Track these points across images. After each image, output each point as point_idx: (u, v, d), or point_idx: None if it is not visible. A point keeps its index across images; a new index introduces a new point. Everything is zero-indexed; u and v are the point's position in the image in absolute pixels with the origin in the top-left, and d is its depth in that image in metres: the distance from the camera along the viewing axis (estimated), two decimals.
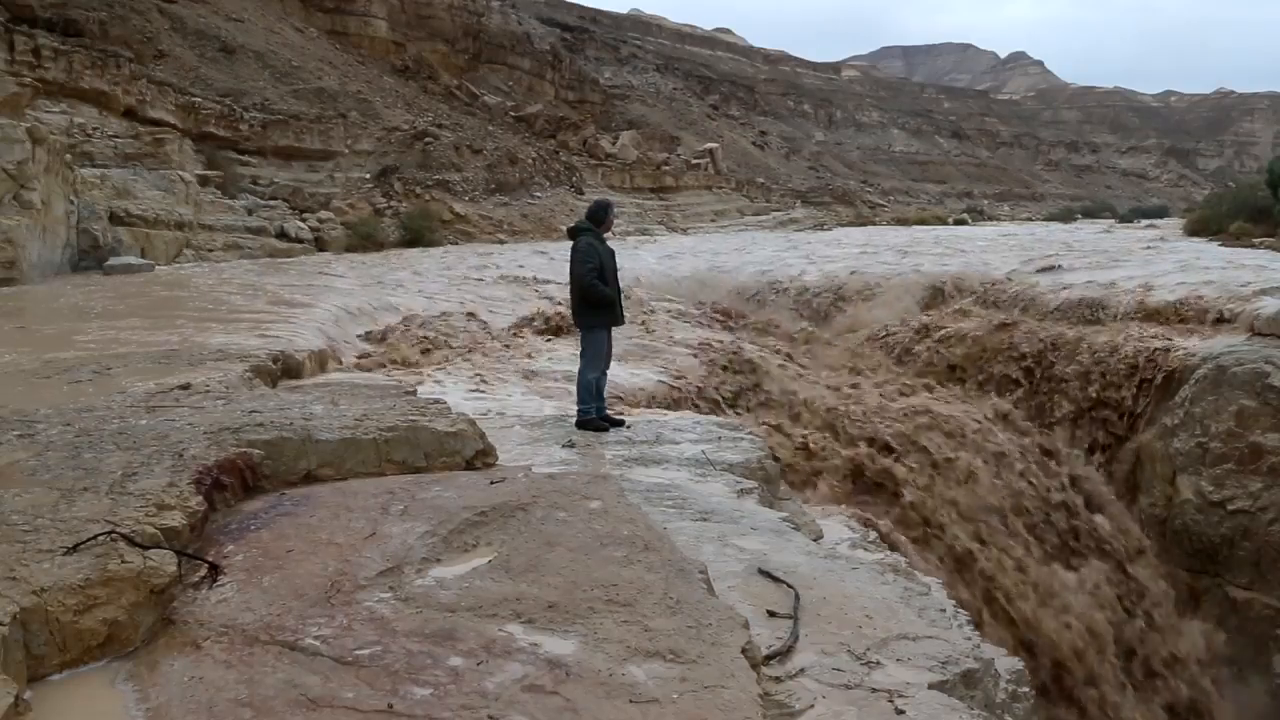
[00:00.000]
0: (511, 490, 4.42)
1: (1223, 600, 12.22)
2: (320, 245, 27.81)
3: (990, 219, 69.20)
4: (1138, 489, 13.38)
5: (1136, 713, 10.14)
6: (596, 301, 7.27)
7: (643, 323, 14.61)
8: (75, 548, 3.17)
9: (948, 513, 10.73)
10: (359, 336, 12.09)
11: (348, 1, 53.63)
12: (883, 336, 17.58)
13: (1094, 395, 14.27)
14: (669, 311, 16.59)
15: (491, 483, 4.57)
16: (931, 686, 3.31)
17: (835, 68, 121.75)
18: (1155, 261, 19.83)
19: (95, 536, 3.24)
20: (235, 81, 38.04)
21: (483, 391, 9.51)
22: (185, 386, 6.32)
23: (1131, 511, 13.13)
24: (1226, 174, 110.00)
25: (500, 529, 3.89)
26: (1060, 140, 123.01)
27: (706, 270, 23.73)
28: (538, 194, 41.83)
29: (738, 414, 10.94)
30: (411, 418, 5.33)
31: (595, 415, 7.45)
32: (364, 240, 28.80)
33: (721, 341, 13.93)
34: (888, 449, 11.38)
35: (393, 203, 34.04)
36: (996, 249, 26.75)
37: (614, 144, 54.82)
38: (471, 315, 14.32)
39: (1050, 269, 19.63)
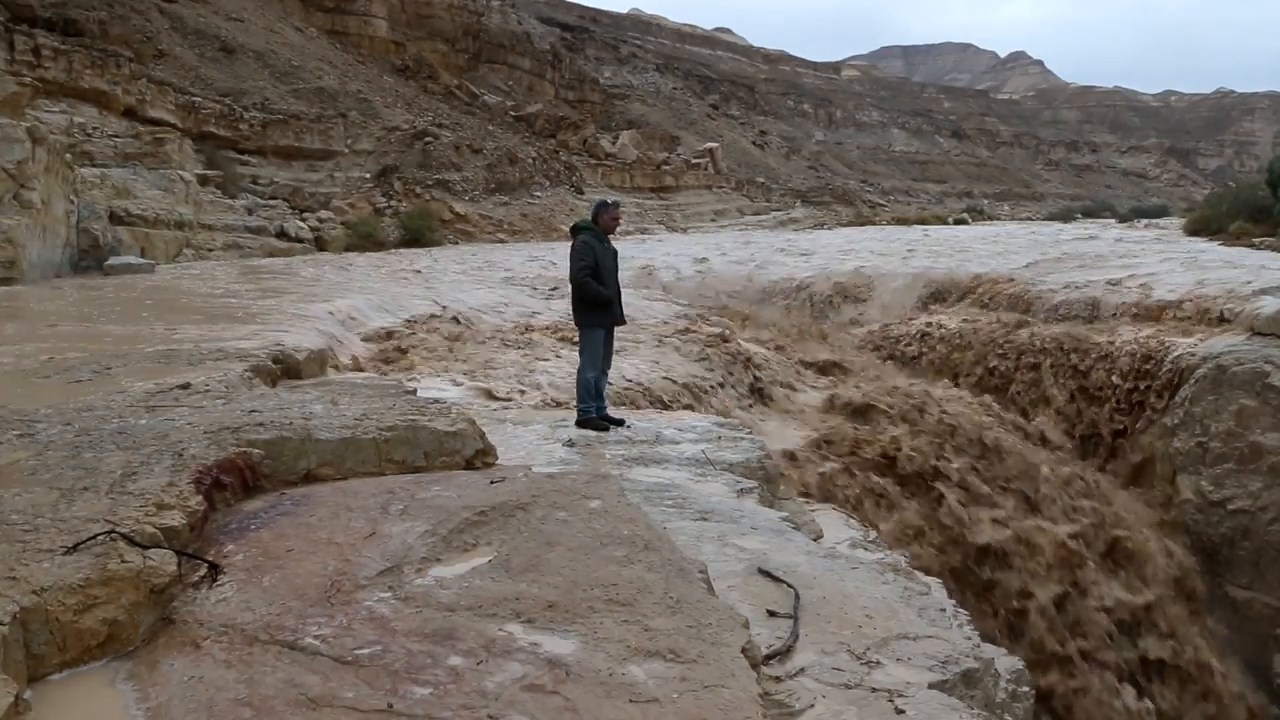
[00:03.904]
0: (511, 490, 4.41)
1: (1223, 600, 12.22)
2: (320, 245, 27.84)
3: (990, 218, 69.21)
4: (1138, 489, 13.37)
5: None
6: (591, 300, 7.27)
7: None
8: (75, 547, 3.17)
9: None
10: (359, 336, 12.08)
11: (348, 1, 53.64)
12: (881, 335, 17.58)
13: (1093, 395, 14.27)
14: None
15: (491, 482, 4.57)
16: (931, 686, 3.31)
17: (835, 68, 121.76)
18: (1155, 261, 19.82)
19: (95, 536, 3.24)
20: (235, 81, 38.06)
21: (482, 391, 9.51)
22: (185, 386, 6.32)
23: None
24: (1226, 174, 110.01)
25: (500, 528, 3.88)
26: (1060, 140, 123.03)
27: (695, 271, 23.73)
28: (538, 194, 41.85)
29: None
30: (411, 417, 5.32)
31: (595, 415, 7.44)
32: (364, 240, 28.82)
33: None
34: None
35: (393, 202, 34.07)
36: (1000, 250, 26.73)
37: (614, 144, 54.83)
38: (471, 314, 14.32)
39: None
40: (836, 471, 10.53)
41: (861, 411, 12.19)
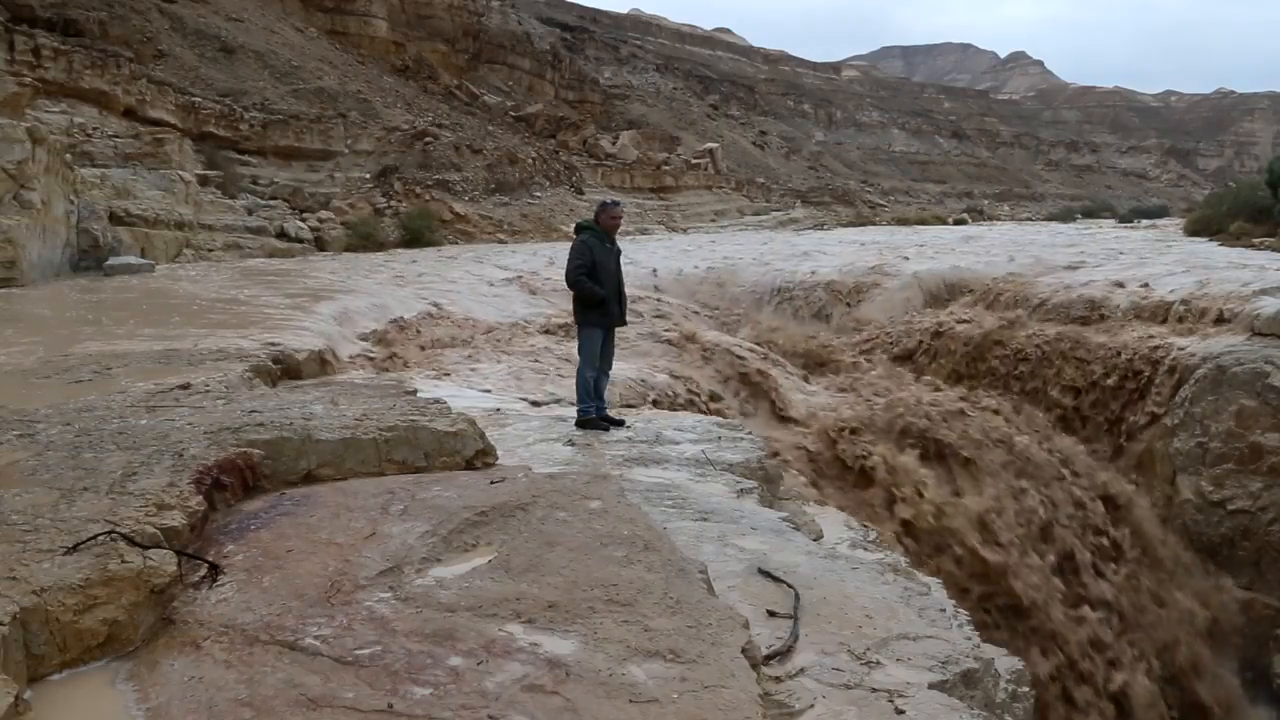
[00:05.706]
0: (511, 490, 4.41)
1: (1222, 600, 12.22)
2: (320, 245, 27.82)
3: (991, 219, 69.18)
4: (1138, 489, 13.37)
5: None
6: (586, 300, 7.28)
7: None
8: (75, 548, 3.17)
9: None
10: (359, 336, 12.07)
11: (348, 1, 53.61)
12: (881, 336, 17.58)
13: (1093, 395, 14.27)
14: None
15: (491, 482, 4.57)
16: (931, 686, 3.31)
17: (835, 68, 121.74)
18: (1154, 262, 19.81)
19: (95, 536, 3.24)
20: (235, 81, 38.06)
21: (482, 391, 9.51)
22: (185, 386, 6.32)
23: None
24: (1226, 174, 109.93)
25: (500, 529, 3.89)
26: (1060, 140, 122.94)
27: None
28: (538, 194, 41.82)
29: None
30: (411, 418, 5.33)
31: (595, 415, 7.44)
32: (364, 240, 28.80)
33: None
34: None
35: (393, 202, 34.05)
36: (998, 252, 26.67)
37: (614, 144, 54.81)
38: (471, 315, 14.31)
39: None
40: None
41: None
